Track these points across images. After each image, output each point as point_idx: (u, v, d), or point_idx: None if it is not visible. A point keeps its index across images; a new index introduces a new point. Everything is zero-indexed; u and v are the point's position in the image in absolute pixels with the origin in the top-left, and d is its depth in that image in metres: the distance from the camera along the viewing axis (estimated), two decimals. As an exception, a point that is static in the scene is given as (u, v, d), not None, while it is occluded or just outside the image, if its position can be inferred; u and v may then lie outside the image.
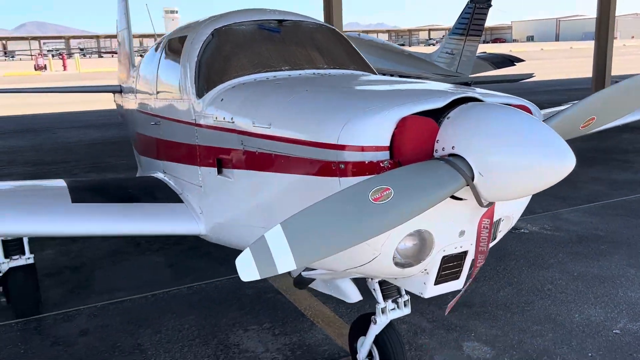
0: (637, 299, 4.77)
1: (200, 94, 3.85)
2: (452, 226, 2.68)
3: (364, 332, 3.59)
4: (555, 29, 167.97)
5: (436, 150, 2.45)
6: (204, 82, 3.88)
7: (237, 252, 2.43)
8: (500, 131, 2.25)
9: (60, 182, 4.37)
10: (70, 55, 70.18)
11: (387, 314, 3.40)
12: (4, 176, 10.04)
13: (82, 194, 4.11)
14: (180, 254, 6.19)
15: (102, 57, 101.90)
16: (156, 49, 5.00)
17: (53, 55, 72.57)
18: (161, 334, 4.43)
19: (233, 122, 3.37)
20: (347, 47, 4.40)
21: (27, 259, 4.54)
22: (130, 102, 6.42)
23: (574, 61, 45.30)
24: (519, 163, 2.18)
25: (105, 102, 22.33)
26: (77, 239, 6.57)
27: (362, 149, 2.46)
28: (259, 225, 3.32)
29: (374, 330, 3.43)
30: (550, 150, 2.15)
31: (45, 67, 55.55)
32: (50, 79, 40.29)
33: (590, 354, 3.95)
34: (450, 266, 2.84)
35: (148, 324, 4.59)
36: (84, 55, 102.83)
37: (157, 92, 4.64)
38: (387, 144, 2.45)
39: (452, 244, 2.75)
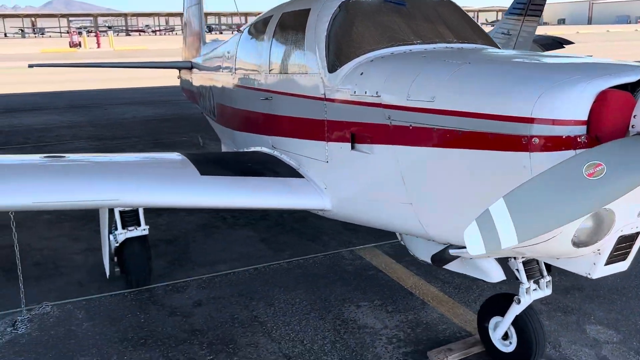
0: None
1: (332, 68, 3.81)
2: (634, 206, 2.62)
3: (498, 313, 3.57)
4: (587, 12, 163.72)
5: (632, 125, 2.38)
6: (335, 56, 3.84)
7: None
8: None
9: (178, 155, 4.40)
10: (101, 32, 70.59)
11: (530, 294, 3.36)
12: (75, 150, 10.19)
13: (207, 166, 4.13)
14: (269, 229, 6.22)
15: (129, 35, 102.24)
16: (263, 25, 4.96)
17: (88, 32, 73.07)
18: (275, 307, 4.47)
19: (379, 97, 3.33)
20: (469, 22, 4.32)
21: (142, 230, 4.60)
22: (218, 78, 6.43)
23: (612, 45, 44.17)
24: None
25: (145, 80, 22.78)
26: (163, 213, 6.64)
27: (559, 122, 2.40)
28: (402, 200, 3.30)
29: (515, 310, 3.39)
30: None
31: (80, 45, 56.02)
32: (88, 56, 40.59)
33: None
34: (622, 247, 2.79)
35: (259, 297, 4.63)
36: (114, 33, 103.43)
37: (270, 69, 4.61)
38: (586, 118, 2.39)
39: (630, 224, 2.69)
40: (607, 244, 2.72)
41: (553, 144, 2.42)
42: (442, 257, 3.44)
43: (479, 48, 3.86)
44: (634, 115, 2.37)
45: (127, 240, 4.58)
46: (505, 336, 3.56)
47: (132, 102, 17.43)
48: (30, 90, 20.71)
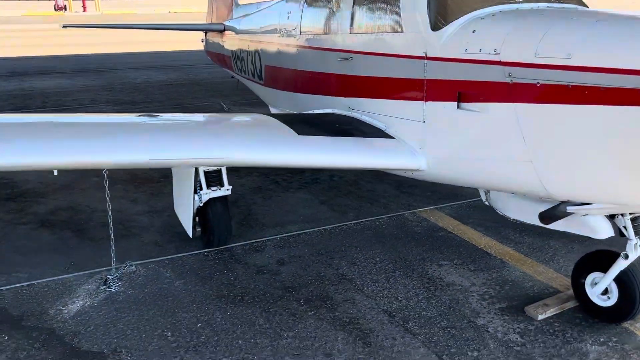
0: None
1: (435, 27, 3.79)
2: None
3: (598, 269, 3.67)
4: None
5: None
6: (439, 15, 3.81)
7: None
8: None
9: (265, 116, 4.41)
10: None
11: (638, 250, 3.47)
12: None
13: (299, 127, 4.14)
14: (325, 191, 6.27)
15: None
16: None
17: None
18: (358, 266, 4.54)
19: (497, 54, 3.34)
20: None
21: (226, 189, 4.62)
22: (271, 40, 6.37)
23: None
24: None
25: (147, 45, 22.38)
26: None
27: None
28: (520, 159, 3.35)
29: (621, 265, 3.50)
30: None
31: (65, 8, 54.55)
32: (75, 20, 39.59)
33: None
34: None
35: (339, 257, 4.70)
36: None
37: (351, 29, 4.58)
38: None
39: None
40: None
41: None
42: (553, 214, 3.50)
43: (581, 8, 3.87)
44: None
45: (211, 200, 4.59)
46: (605, 291, 3.67)
47: (139, 66, 17.16)
48: (27, 54, 20.22)
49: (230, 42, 8.42)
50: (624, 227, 3.49)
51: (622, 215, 3.44)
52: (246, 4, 8.49)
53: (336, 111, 4.89)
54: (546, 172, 3.24)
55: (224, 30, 8.67)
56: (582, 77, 2.91)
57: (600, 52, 2.86)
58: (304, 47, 5.43)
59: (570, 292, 3.99)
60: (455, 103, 3.67)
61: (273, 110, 6.85)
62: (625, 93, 2.73)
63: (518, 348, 3.46)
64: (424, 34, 3.84)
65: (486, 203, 4.33)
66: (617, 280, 3.58)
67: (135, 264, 4.51)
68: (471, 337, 3.59)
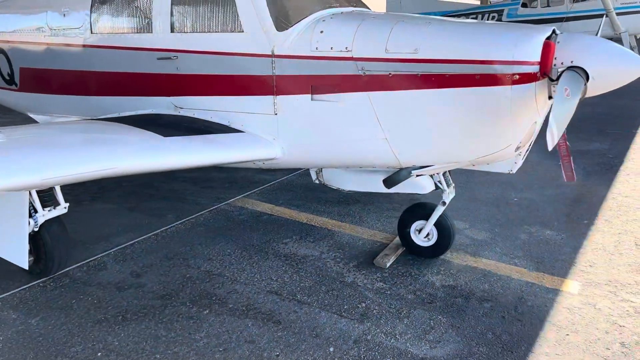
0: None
1: (280, 28, 4.14)
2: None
3: (420, 218, 4.67)
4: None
5: (554, 64, 3.66)
6: (281, 16, 4.17)
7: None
8: (605, 49, 3.59)
9: (100, 122, 4.10)
10: None
11: (449, 197, 4.56)
12: None
13: (154, 129, 4.01)
14: (125, 198, 5.98)
15: None
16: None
17: None
18: (216, 261, 4.63)
19: (349, 51, 3.92)
20: None
21: (63, 207, 4.13)
22: (32, 39, 5.66)
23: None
24: (617, 68, 3.56)
25: None
26: None
27: (529, 63, 3.51)
28: (377, 137, 4.03)
29: (440, 210, 4.54)
30: (634, 59, 3.59)
31: None
32: None
33: (516, 214, 5.83)
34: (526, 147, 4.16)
35: (191, 256, 4.71)
36: None
37: (173, 28, 4.52)
38: (539, 59, 3.56)
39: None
40: (527, 146, 4.07)
41: (526, 79, 3.53)
42: (395, 179, 4.30)
43: (373, 11, 4.73)
44: (555, 57, 3.65)
45: (46, 222, 4.05)
46: (426, 235, 4.70)
47: None
48: None
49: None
50: (439, 181, 4.54)
51: (437, 173, 4.47)
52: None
53: (159, 111, 4.80)
54: (399, 146, 4.00)
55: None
56: (427, 67, 3.74)
57: (442, 47, 3.72)
58: (99, 46, 5.06)
59: (396, 241, 4.95)
60: (309, 95, 4.14)
61: (37, 118, 6.11)
62: (464, 78, 3.65)
63: (389, 292, 4.21)
64: (270, 34, 4.17)
65: (316, 181, 4.94)
66: (436, 224, 4.64)
67: (-40, 315, 3.71)
68: (351, 293, 4.18)
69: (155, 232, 5.16)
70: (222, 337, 3.61)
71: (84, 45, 5.20)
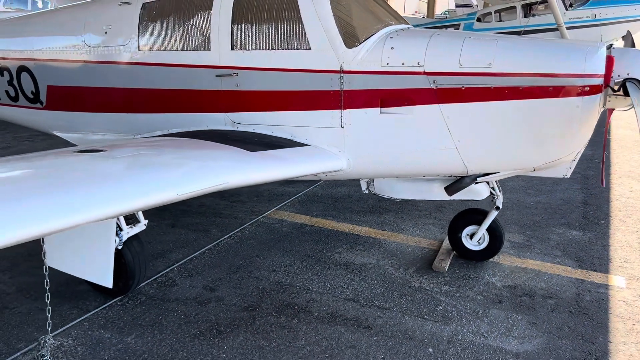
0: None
1: (349, 45, 4.31)
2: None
3: (472, 223, 4.94)
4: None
5: (612, 77, 4.02)
6: (349, 34, 4.34)
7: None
8: None
9: (192, 139, 4.21)
10: None
11: (501, 201, 4.84)
12: None
13: (236, 144, 4.08)
14: (160, 214, 5.93)
15: None
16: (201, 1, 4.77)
17: None
18: (281, 272, 4.72)
19: (421, 66, 4.14)
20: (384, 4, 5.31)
21: (143, 225, 4.12)
22: (71, 57, 5.58)
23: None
24: None
25: None
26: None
27: (597, 76, 3.84)
28: (447, 147, 4.25)
29: (493, 215, 4.82)
30: None
31: None
32: None
33: (539, 217, 6.20)
34: None
35: (255, 268, 4.78)
36: None
37: (235, 45, 4.58)
38: (604, 72, 3.90)
39: None
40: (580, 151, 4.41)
41: (595, 90, 3.86)
42: (458, 186, 4.54)
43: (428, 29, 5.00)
44: (613, 70, 4.01)
45: (128, 239, 4.04)
46: (478, 239, 4.97)
47: None
48: None
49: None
50: (493, 188, 4.82)
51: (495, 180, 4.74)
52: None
53: (215, 127, 4.85)
54: (468, 155, 4.24)
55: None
56: (502, 80, 4.01)
57: (516, 62, 4.00)
58: (147, 64, 5.06)
59: (445, 245, 5.20)
60: (378, 109, 4.33)
61: (66, 136, 5.99)
62: (538, 90, 3.94)
63: (457, 294, 4.43)
64: (339, 51, 4.32)
65: (366, 192, 5.12)
66: (487, 228, 4.91)
67: (52, 337, 3.63)
68: (423, 297, 4.38)
69: (208, 247, 5.18)
70: (323, 344, 3.72)
71: (129, 63, 5.18)
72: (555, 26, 16.50)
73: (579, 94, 3.89)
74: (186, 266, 4.79)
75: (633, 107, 3.71)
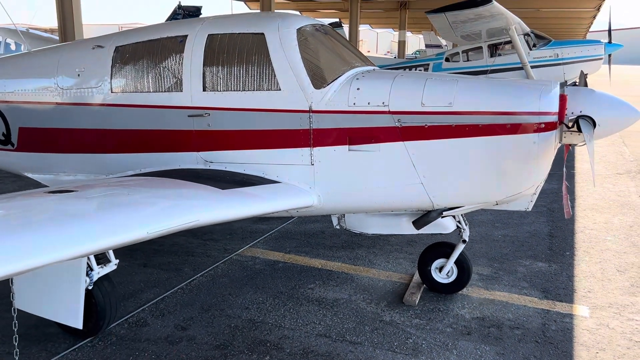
0: (481, 220, 7.48)
1: (317, 86, 4.47)
2: None
3: (442, 256, 5.05)
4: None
5: (566, 114, 4.24)
6: (317, 76, 4.51)
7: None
8: (606, 99, 4.22)
9: (165, 179, 4.27)
10: None
11: (467, 234, 4.98)
12: None
13: (207, 182, 4.16)
14: (133, 254, 5.91)
15: None
16: (173, 43, 4.89)
17: None
18: (253, 309, 4.75)
19: (386, 105, 4.31)
20: (349, 45, 5.52)
21: (114, 264, 4.14)
22: (39, 99, 5.64)
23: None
24: (619, 116, 4.19)
25: None
26: None
27: (551, 113, 4.04)
28: (412, 182, 4.39)
29: (460, 248, 4.95)
30: (633, 109, 4.23)
31: None
32: None
33: (506, 250, 6.36)
34: None
35: (227, 306, 4.79)
36: None
37: (206, 87, 4.71)
38: (558, 110, 4.11)
39: None
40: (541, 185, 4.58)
41: (550, 127, 4.06)
42: (425, 220, 4.67)
43: (396, 70, 5.19)
44: (566, 108, 4.24)
45: (99, 279, 4.04)
46: (447, 272, 5.07)
47: None
48: None
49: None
50: (459, 222, 4.96)
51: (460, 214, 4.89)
52: None
53: (188, 166, 4.93)
54: (434, 190, 4.39)
55: None
56: (462, 118, 4.20)
57: (475, 101, 4.20)
58: (120, 105, 5.14)
59: (416, 279, 5.29)
60: (346, 146, 4.47)
61: (38, 177, 5.99)
62: (496, 127, 4.13)
63: (428, 327, 4.50)
64: (308, 92, 4.48)
65: (337, 227, 5.23)
66: (455, 261, 5.03)
67: (19, 381, 3.59)
68: (394, 330, 4.44)
69: (180, 286, 5.18)
70: (295, 380, 3.74)
71: (102, 104, 5.26)
72: (520, 65, 17.16)
73: (535, 131, 4.09)
74: (158, 306, 4.79)
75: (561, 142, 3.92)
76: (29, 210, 3.24)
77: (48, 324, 4.21)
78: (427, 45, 37.91)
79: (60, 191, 3.63)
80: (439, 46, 34.53)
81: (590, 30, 47.81)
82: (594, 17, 36.86)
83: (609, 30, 21.30)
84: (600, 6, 30.27)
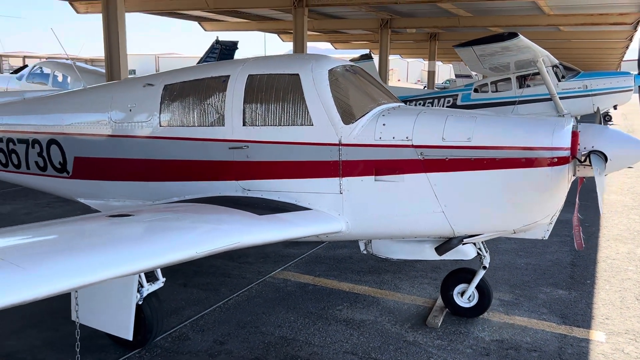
0: (505, 248, 7.72)
1: (347, 122, 4.90)
2: None
3: (463, 281, 5.36)
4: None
5: (578, 149, 4.55)
6: (346, 112, 4.95)
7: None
8: (617, 136, 4.53)
9: (208, 205, 4.73)
10: None
11: (487, 261, 5.28)
12: None
13: (246, 208, 4.59)
14: (174, 274, 6.37)
15: None
16: (216, 82, 5.41)
17: None
18: (285, 327, 5.11)
19: (410, 140, 4.71)
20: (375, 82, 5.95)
21: (160, 282, 4.58)
22: (90, 130, 6.21)
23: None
24: (629, 151, 4.50)
25: None
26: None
27: (563, 148, 4.37)
28: (434, 210, 4.74)
29: (480, 274, 5.25)
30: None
31: None
32: None
33: (528, 277, 6.59)
34: None
35: (261, 324, 5.17)
36: None
37: (246, 122, 5.19)
38: (570, 145, 4.44)
39: None
40: (557, 215, 4.88)
41: (562, 161, 4.39)
42: (447, 247, 4.99)
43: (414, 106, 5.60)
44: (578, 143, 4.55)
45: (147, 295, 4.49)
46: (468, 297, 5.36)
47: None
48: None
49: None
50: (479, 249, 5.27)
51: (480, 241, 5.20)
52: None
53: (227, 193, 5.38)
54: (454, 218, 4.73)
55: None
56: (480, 152, 4.55)
57: (490, 136, 4.56)
58: (168, 138, 5.66)
59: (439, 303, 5.59)
60: (373, 177, 4.86)
61: (90, 203, 6.53)
62: (512, 161, 4.48)
63: (449, 347, 4.79)
64: (338, 127, 4.91)
65: (364, 252, 5.58)
66: (476, 287, 5.32)
67: (77, 385, 4.02)
68: (417, 350, 4.74)
69: (218, 305, 5.59)
70: (323, 391, 4.07)
71: (150, 137, 5.78)
72: (549, 96, 17.34)
73: (548, 165, 4.41)
74: (198, 322, 5.19)
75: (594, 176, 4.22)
76: (95, 232, 3.71)
77: (100, 335, 4.63)
78: (457, 76, 38.24)
79: (120, 215, 4.11)
80: (469, 76, 34.82)
81: (624, 59, 47.52)
82: (627, 47, 36.77)
83: (639, 61, 21.35)
84: (632, 36, 30.25)
